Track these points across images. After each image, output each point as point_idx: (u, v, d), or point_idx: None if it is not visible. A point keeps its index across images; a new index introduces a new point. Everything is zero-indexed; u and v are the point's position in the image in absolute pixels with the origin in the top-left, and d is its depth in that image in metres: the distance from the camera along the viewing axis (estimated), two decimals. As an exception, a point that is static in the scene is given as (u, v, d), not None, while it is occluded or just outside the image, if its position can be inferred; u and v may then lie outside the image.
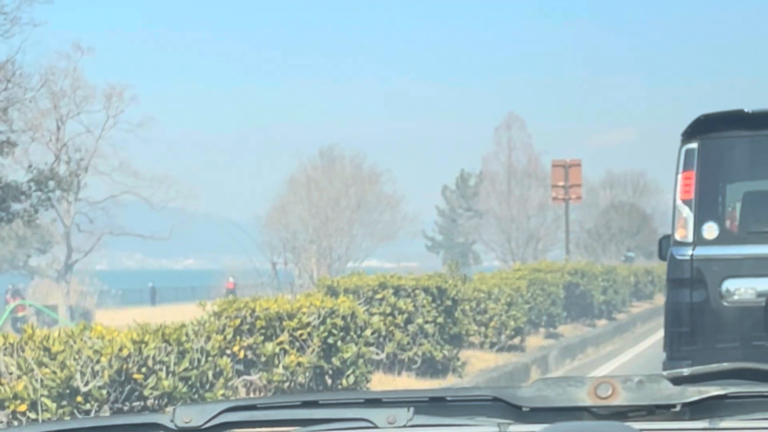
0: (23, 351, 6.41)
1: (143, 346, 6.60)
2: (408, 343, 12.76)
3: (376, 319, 11.96)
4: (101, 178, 43.02)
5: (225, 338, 9.05)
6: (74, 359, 6.39)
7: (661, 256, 8.84)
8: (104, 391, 6.40)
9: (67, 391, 6.34)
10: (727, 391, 1.94)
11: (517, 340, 17.06)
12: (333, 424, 1.97)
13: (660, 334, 11.04)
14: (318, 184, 44.82)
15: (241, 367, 9.29)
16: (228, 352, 8.90)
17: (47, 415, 6.20)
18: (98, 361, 6.41)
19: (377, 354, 12.18)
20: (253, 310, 9.54)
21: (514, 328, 16.74)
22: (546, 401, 1.95)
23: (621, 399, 1.92)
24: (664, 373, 2.02)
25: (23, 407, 6.18)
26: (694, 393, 1.92)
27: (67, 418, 6.17)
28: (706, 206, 8.18)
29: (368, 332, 10.49)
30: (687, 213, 8.17)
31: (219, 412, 1.99)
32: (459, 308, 14.06)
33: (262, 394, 9.20)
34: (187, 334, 6.98)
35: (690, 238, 8.17)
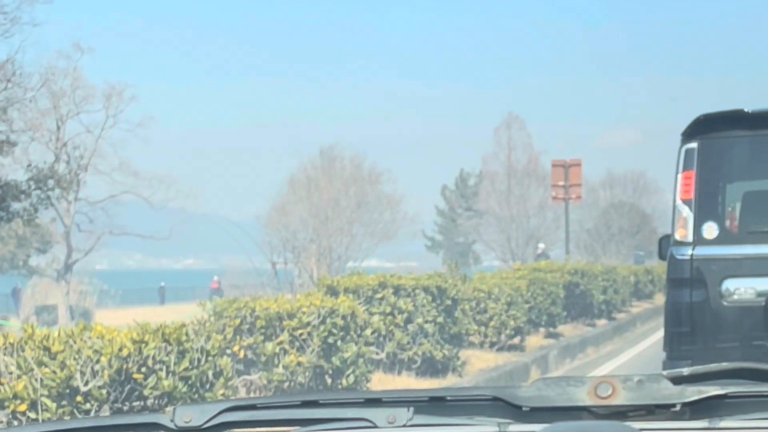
0: (23, 350, 6.41)
1: (143, 345, 6.59)
2: (408, 343, 12.75)
3: (376, 318, 11.97)
4: (101, 178, 42.97)
5: (225, 338, 9.06)
6: (74, 359, 6.38)
7: (661, 256, 8.84)
8: (104, 391, 6.40)
9: (67, 390, 6.34)
10: (727, 390, 1.94)
11: (516, 340, 17.06)
12: (333, 424, 1.97)
13: (660, 333, 11.03)
14: (318, 184, 44.80)
15: (241, 366, 9.29)
16: (228, 351, 8.91)
17: (47, 415, 6.20)
18: (98, 361, 6.40)
19: (377, 353, 12.17)
20: (253, 310, 9.55)
21: (513, 327, 16.74)
22: (546, 401, 1.95)
23: (621, 399, 1.92)
24: (664, 372, 2.01)
25: (23, 407, 6.17)
26: (694, 393, 1.92)
27: (67, 417, 6.16)
28: (706, 206, 8.18)
29: (368, 332, 10.49)
30: (687, 213, 8.17)
31: (219, 411, 1.99)
32: (459, 308, 14.06)
33: (262, 394, 9.20)
34: (187, 334, 6.98)
35: (690, 238, 8.17)
